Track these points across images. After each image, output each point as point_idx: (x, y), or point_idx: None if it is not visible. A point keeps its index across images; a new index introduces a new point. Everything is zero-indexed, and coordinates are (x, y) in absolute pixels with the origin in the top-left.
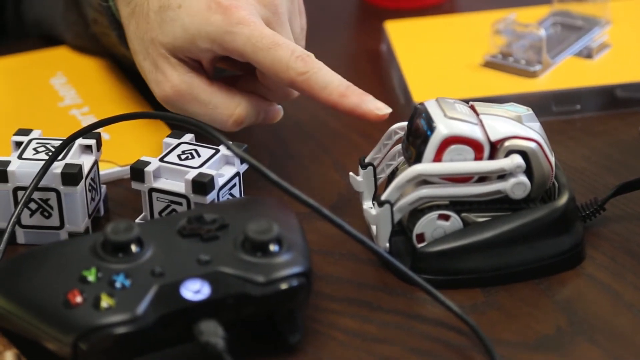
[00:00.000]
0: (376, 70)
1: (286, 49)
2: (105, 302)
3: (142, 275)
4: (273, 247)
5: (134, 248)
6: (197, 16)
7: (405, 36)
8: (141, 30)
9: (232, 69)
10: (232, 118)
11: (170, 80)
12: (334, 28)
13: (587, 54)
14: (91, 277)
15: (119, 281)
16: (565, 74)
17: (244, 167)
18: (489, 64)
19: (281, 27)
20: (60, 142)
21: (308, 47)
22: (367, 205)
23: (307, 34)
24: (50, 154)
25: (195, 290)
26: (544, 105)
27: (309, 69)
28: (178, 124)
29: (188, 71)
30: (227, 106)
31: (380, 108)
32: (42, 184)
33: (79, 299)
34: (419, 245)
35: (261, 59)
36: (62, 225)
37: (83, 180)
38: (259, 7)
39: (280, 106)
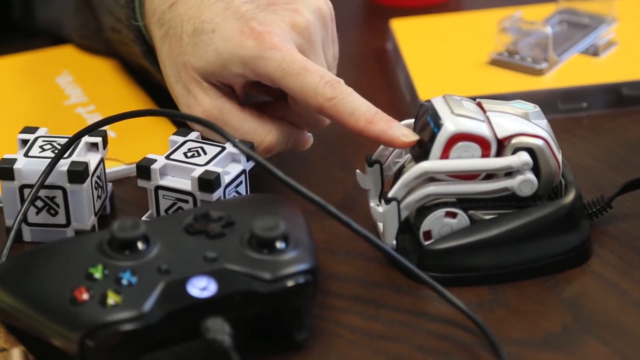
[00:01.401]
0: (382, 68)
1: (315, 75)
2: (112, 299)
3: (148, 273)
4: (279, 245)
5: (140, 245)
6: (231, 41)
7: (411, 34)
8: (174, 54)
9: (263, 95)
10: (263, 145)
11: (202, 104)
12: (340, 27)
13: (594, 51)
14: (98, 274)
15: (126, 278)
16: (571, 71)
17: (250, 164)
18: (495, 62)
19: (315, 54)
20: (66, 140)
21: None
22: (374, 202)
23: None
24: (56, 151)
25: (201, 287)
26: (550, 103)
27: (337, 94)
28: (184, 120)
29: (220, 96)
30: (258, 133)
31: (407, 135)
32: (49, 181)
33: (85, 296)
34: (426, 243)
35: (290, 84)
36: (68, 223)
37: (89, 178)
38: (293, 34)
39: (311, 134)
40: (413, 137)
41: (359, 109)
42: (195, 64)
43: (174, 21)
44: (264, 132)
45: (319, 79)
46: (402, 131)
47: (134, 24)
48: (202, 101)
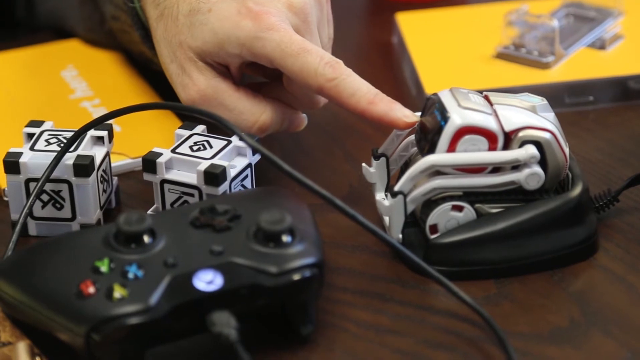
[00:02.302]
0: (388, 62)
1: (315, 55)
2: (118, 292)
3: (154, 266)
4: (285, 238)
5: (146, 239)
6: (227, 21)
7: (416, 28)
8: (170, 33)
9: (258, 76)
10: (257, 124)
11: (197, 84)
12: (346, 21)
13: (600, 45)
14: (104, 268)
15: (132, 272)
16: (578, 65)
17: (256, 158)
18: (501, 56)
19: (310, 34)
20: (72, 133)
21: None
22: (380, 196)
23: None
24: (61, 145)
25: (207, 280)
26: (556, 97)
27: (337, 75)
28: (189, 114)
29: (215, 76)
30: (252, 112)
31: (408, 116)
32: (54, 175)
33: (91, 290)
34: (432, 237)
35: (290, 65)
36: (74, 217)
37: (95, 171)
38: (289, 14)
39: (305, 115)
40: (414, 117)
41: (360, 90)
42: (192, 44)
43: (169, 1)
44: (258, 112)
45: (319, 59)
46: (403, 112)
47: (130, 5)
48: (197, 80)
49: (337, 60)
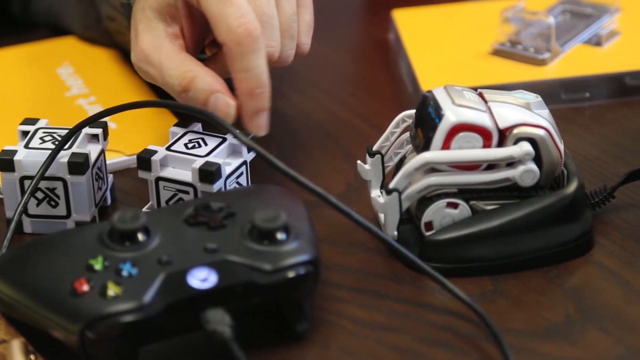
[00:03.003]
0: (384, 59)
1: (237, 9)
2: (112, 290)
3: (148, 264)
4: (280, 236)
5: (140, 236)
6: None
7: (413, 25)
8: (139, 5)
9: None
10: (184, 82)
11: (141, 43)
12: (342, 17)
13: (597, 41)
14: (98, 266)
15: (126, 269)
16: (574, 61)
17: (251, 155)
18: (498, 52)
19: None
20: (67, 131)
21: (316, 36)
22: (375, 193)
23: (314, 23)
24: (56, 143)
25: (202, 278)
26: (552, 93)
27: (245, 45)
28: (184, 112)
29: (163, 37)
30: (180, 70)
31: (259, 127)
32: (49, 173)
33: (85, 288)
34: (427, 234)
35: (209, 8)
36: (69, 215)
37: (89, 169)
38: None
39: (232, 103)
40: (261, 133)
41: (252, 74)
42: (151, 3)
43: None
44: (185, 70)
45: (239, 16)
46: (259, 122)
47: (125, 2)
48: (142, 41)
49: (256, 26)
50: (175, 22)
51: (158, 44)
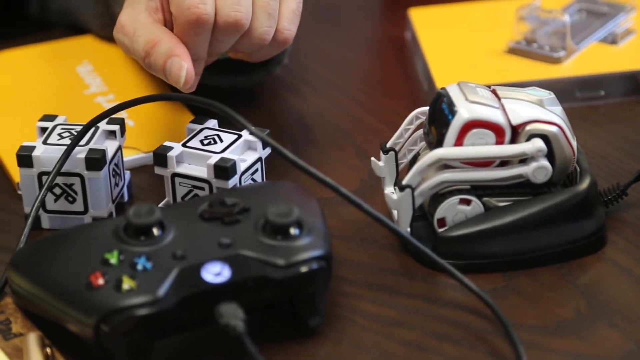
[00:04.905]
0: (400, 57)
1: None
2: (127, 284)
3: (163, 258)
4: (293, 231)
5: (155, 231)
6: None
7: (429, 23)
8: None
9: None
10: (147, 46)
11: (122, 15)
12: (359, 16)
13: (612, 39)
14: (113, 260)
15: (141, 264)
16: (589, 60)
17: (267, 152)
18: (513, 51)
19: None
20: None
21: (332, 36)
22: (389, 190)
23: (331, 21)
24: None
25: (215, 272)
26: (567, 91)
27: (191, 29)
28: (200, 106)
29: (143, 10)
30: (148, 38)
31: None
32: (66, 168)
33: (101, 281)
34: (440, 230)
35: None
36: (86, 210)
37: (107, 165)
38: None
39: (185, 65)
40: (179, 84)
41: (192, 49)
42: None
43: None
44: (149, 35)
45: None
46: (176, 70)
47: None
48: (122, 13)
49: (207, 13)
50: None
51: (134, 15)
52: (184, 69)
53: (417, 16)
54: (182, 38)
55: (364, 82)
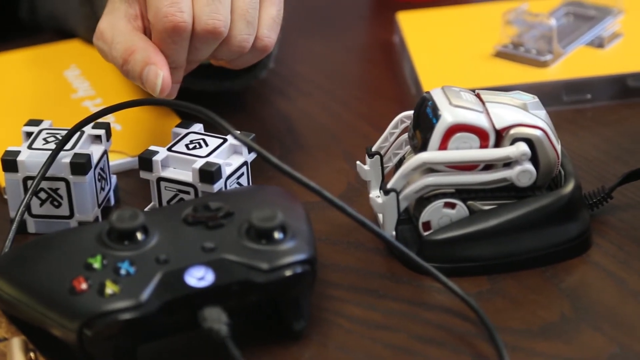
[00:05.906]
0: (388, 61)
1: None
2: (110, 288)
3: (146, 263)
4: (277, 235)
5: (139, 236)
6: None
7: (417, 27)
8: None
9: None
10: (125, 54)
11: (101, 22)
12: (347, 19)
13: (599, 43)
14: (96, 264)
15: (124, 268)
16: (576, 63)
17: (252, 156)
18: (500, 54)
19: None
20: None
21: (321, 39)
22: (374, 194)
23: (319, 24)
24: None
25: (199, 277)
26: (554, 95)
27: (168, 37)
28: (186, 111)
29: (122, 17)
30: (127, 45)
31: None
32: (52, 173)
33: (84, 286)
34: (425, 233)
35: None
36: (71, 215)
37: (92, 169)
38: None
39: (162, 73)
40: (155, 91)
41: (169, 57)
42: None
43: None
44: (127, 43)
45: (169, 3)
46: (152, 78)
47: None
48: (102, 20)
49: (184, 21)
50: (136, 3)
51: (114, 23)
52: (159, 77)
53: (406, 20)
54: (159, 46)
55: (352, 86)
